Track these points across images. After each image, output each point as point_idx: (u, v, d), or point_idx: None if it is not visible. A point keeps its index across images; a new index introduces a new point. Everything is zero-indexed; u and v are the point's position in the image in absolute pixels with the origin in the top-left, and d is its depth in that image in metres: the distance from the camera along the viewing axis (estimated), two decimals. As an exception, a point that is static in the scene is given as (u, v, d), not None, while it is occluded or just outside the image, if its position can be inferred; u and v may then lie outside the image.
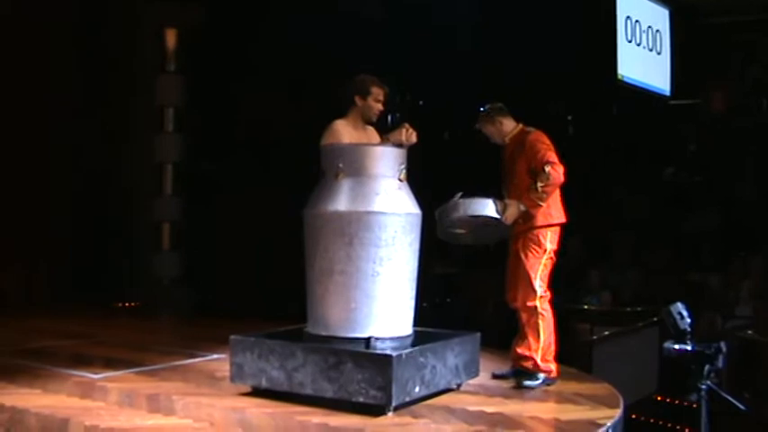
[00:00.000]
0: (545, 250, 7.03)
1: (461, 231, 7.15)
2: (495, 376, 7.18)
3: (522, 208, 6.88)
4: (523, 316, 7.00)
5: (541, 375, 6.93)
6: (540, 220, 7.00)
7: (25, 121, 11.71)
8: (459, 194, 6.90)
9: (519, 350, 7.00)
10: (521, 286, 7.02)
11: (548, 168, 6.85)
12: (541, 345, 6.92)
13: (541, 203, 6.91)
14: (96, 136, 12.80)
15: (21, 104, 11.63)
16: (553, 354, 7.01)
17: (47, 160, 12.01)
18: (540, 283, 6.98)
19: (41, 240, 12.27)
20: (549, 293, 7.04)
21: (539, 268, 6.99)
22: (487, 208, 6.86)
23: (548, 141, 7.09)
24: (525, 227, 7.00)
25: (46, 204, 12.08)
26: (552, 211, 7.08)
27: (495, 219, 6.86)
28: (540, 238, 7.02)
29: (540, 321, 6.93)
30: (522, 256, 7.01)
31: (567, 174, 6.92)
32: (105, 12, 12.97)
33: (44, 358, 7.93)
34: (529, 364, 6.95)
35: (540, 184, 6.84)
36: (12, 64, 11.55)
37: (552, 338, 7.00)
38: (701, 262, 12.11)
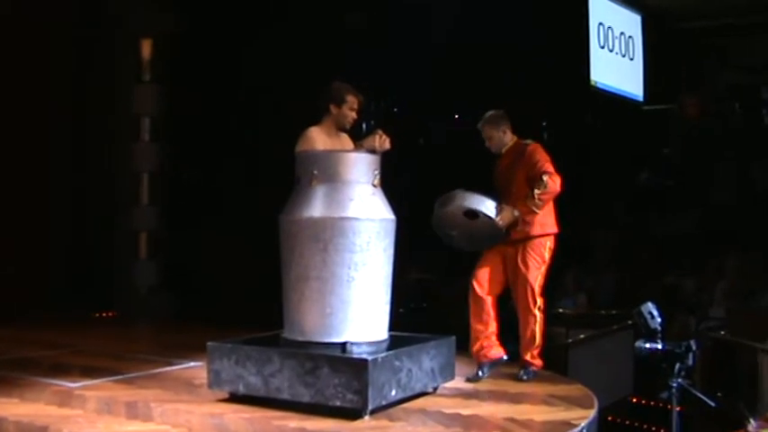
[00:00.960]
0: (545, 261, 7.34)
1: (454, 233, 7.34)
2: (468, 380, 7.29)
3: (516, 214, 7.10)
4: (523, 322, 7.30)
5: (534, 369, 7.37)
6: (536, 230, 7.27)
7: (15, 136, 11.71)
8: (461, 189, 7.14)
9: (526, 358, 7.35)
10: (520, 293, 7.31)
11: (545, 177, 7.12)
12: (537, 343, 7.31)
13: (536, 211, 7.16)
14: (73, 145, 12.80)
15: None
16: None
17: (24, 170, 11.97)
18: (539, 292, 7.29)
19: (20, 251, 12.25)
20: (542, 300, 7.35)
21: (539, 278, 7.29)
22: (484, 204, 7.05)
23: (546, 153, 7.33)
24: (521, 235, 7.23)
25: (23, 214, 12.04)
26: (547, 221, 7.35)
27: (489, 218, 7.02)
28: (541, 249, 7.31)
29: (539, 326, 7.29)
30: (523, 268, 7.28)
31: (563, 184, 7.20)
32: (83, 23, 12.96)
33: (22, 368, 7.92)
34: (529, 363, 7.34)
35: (537, 192, 7.09)
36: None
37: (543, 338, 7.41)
38: (676, 264, 12.20)
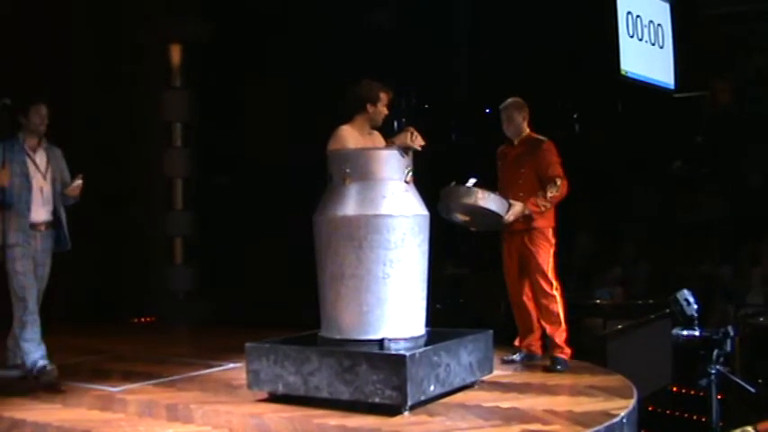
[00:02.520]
0: (552, 244, 7.57)
1: (461, 217, 7.47)
2: (504, 361, 7.60)
3: (527, 212, 7.36)
4: (544, 305, 7.49)
5: (565, 359, 7.47)
6: (541, 222, 7.50)
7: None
8: (473, 181, 7.22)
9: (556, 340, 7.49)
10: (535, 280, 7.54)
11: (559, 182, 7.39)
12: (562, 326, 7.48)
13: (545, 210, 7.42)
14: (106, 151, 12.86)
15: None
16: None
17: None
18: (552, 275, 7.50)
19: (58, 258, 12.35)
20: (557, 282, 7.57)
21: (549, 260, 7.51)
22: (499, 206, 7.22)
23: (558, 154, 7.55)
24: (524, 226, 7.48)
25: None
26: (550, 214, 7.58)
27: (500, 216, 7.20)
28: (547, 234, 7.55)
29: (560, 307, 7.47)
30: (534, 251, 7.52)
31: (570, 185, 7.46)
32: (113, 29, 13.04)
33: (63, 374, 7.98)
34: (558, 352, 7.45)
35: (549, 194, 7.38)
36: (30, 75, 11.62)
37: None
38: (711, 253, 12.14)
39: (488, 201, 7.18)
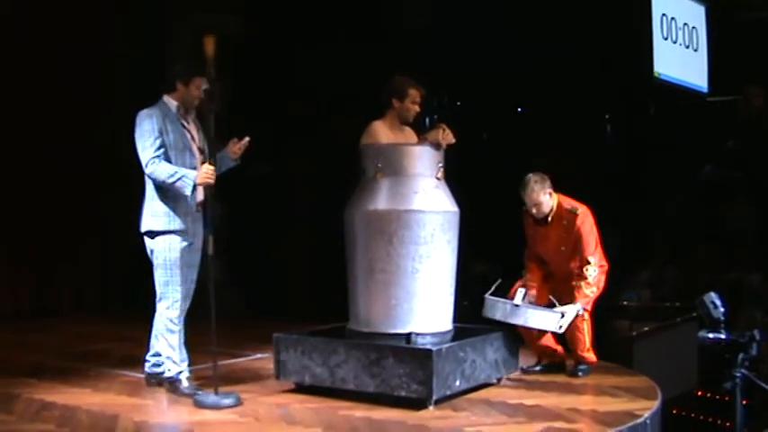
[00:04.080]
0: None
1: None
2: (524, 371, 7.32)
3: (581, 311, 7.04)
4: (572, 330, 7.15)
5: (588, 365, 7.29)
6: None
7: (75, 128, 11.91)
8: (522, 293, 7.08)
9: (579, 352, 7.27)
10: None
11: (593, 260, 7.07)
12: (587, 346, 7.26)
13: (596, 292, 7.10)
14: (131, 150, 12.93)
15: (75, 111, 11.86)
16: None
17: (88, 169, 12.14)
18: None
19: (92, 247, 12.51)
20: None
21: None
22: (550, 322, 6.95)
23: (594, 225, 7.20)
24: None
25: (96, 212, 12.27)
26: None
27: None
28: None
29: (588, 332, 7.25)
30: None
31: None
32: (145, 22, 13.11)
33: (94, 360, 8.14)
34: (581, 360, 7.27)
35: (591, 279, 7.04)
36: (66, 71, 11.74)
37: None
38: (741, 258, 12.08)
39: (537, 320, 6.92)
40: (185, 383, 6.52)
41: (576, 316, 6.99)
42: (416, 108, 6.93)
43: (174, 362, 6.59)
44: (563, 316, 6.92)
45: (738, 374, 4.97)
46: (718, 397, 9.07)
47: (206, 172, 6.34)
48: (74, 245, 12.27)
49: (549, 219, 7.21)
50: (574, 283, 7.08)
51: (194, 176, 6.35)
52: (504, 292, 7.15)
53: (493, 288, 6.99)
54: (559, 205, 7.19)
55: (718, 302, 5.11)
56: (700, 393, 9.59)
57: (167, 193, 6.47)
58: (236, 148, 6.71)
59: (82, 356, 8.40)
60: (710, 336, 5.04)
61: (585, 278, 7.02)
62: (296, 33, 12.42)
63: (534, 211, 7.18)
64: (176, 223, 6.54)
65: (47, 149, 11.65)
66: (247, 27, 12.64)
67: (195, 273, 6.88)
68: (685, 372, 9.40)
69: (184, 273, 6.67)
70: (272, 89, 12.63)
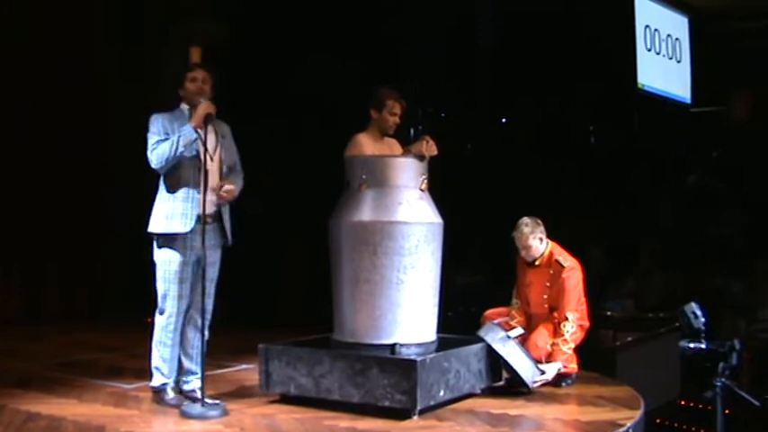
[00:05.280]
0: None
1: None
2: (507, 381, 7.15)
3: (561, 369, 7.05)
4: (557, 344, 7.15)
5: (571, 374, 7.27)
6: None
7: (72, 138, 11.92)
8: (520, 332, 7.06)
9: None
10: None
11: (571, 317, 7.09)
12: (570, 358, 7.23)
13: (572, 349, 7.12)
14: (125, 153, 12.94)
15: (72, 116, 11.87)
16: None
17: (80, 180, 12.14)
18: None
19: (81, 257, 12.50)
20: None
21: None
22: (527, 372, 6.82)
23: (581, 282, 7.25)
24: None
25: (85, 220, 12.27)
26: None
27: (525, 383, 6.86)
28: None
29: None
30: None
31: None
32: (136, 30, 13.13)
33: (80, 370, 8.13)
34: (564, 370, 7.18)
35: (568, 336, 7.07)
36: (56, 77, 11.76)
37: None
38: (724, 267, 12.15)
39: (518, 362, 6.78)
40: (171, 394, 6.52)
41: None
42: (395, 119, 6.93)
43: (161, 374, 6.57)
44: (542, 374, 6.89)
45: (719, 384, 5.02)
46: (700, 406, 9.13)
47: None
48: (65, 252, 12.26)
49: (537, 263, 7.33)
50: (552, 340, 7.12)
51: (186, 126, 6.27)
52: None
53: (511, 332, 6.96)
54: (551, 253, 7.30)
55: (698, 312, 5.15)
56: (682, 403, 9.66)
57: (174, 194, 6.46)
58: (223, 192, 6.46)
59: (69, 366, 8.38)
60: (691, 345, 5.09)
61: (563, 335, 7.08)
62: (281, 44, 12.44)
63: (523, 253, 7.32)
64: (175, 226, 6.46)
65: (44, 156, 11.75)
66: (235, 35, 12.65)
67: (212, 287, 6.79)
68: (668, 382, 9.47)
69: (184, 288, 6.58)
70: (258, 99, 12.63)
